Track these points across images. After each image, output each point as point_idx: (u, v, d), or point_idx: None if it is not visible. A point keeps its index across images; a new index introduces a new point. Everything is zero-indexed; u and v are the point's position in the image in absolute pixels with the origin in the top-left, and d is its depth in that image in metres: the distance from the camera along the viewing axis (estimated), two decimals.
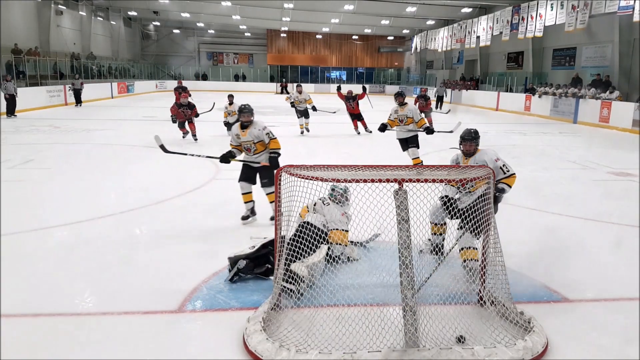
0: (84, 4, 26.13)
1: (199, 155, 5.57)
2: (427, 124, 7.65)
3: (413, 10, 25.55)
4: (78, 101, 19.40)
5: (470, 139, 3.90)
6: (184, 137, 10.72)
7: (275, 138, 4.87)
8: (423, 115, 11.34)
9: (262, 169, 4.88)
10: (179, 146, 9.19)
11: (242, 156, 5.02)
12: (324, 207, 4.02)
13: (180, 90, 12.54)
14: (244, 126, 4.87)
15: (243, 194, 4.98)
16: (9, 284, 3.43)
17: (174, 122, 10.39)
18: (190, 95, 11.52)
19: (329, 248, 3.72)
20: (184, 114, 10.47)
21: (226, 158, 4.97)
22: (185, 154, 5.63)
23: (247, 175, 4.95)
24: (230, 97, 11.45)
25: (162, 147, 5.37)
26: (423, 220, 3.14)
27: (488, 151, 3.92)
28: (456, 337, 2.71)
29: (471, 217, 3.10)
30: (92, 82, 22.12)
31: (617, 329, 2.99)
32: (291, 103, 12.13)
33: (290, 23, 31.88)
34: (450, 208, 3.83)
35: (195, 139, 10.52)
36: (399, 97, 7.52)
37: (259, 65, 37.98)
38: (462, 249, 3.66)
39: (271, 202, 4.87)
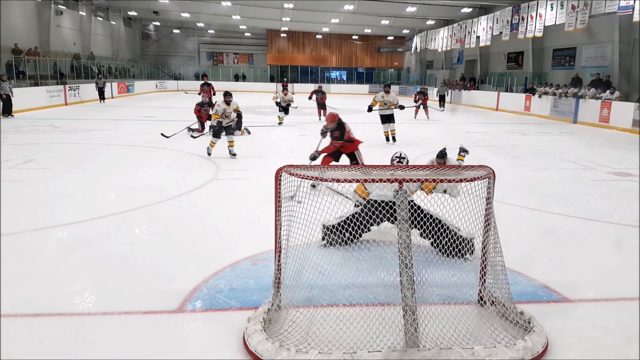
0: (84, 4, 26.12)
1: None
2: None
3: (413, 10, 25.54)
4: (102, 98, 22.04)
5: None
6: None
7: None
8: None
9: None
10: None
11: None
12: None
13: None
14: None
15: None
16: (9, 284, 3.43)
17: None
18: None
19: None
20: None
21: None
22: None
23: None
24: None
25: None
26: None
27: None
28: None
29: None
30: (92, 82, 22.14)
31: (617, 329, 2.99)
32: (369, 107, 10.83)
33: (290, 23, 31.88)
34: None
35: None
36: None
37: (259, 65, 37.98)
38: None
39: None
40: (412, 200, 4.00)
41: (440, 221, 3.75)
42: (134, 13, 31.85)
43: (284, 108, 14.05)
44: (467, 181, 2.98)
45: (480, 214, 3.03)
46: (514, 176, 7.46)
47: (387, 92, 10.51)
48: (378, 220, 4.03)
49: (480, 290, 3.15)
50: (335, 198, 5.25)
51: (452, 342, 2.67)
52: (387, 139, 10.72)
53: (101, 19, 28.99)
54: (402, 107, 10.70)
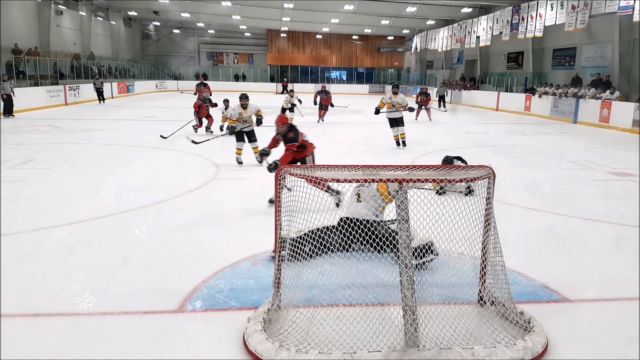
0: (84, 4, 26.12)
1: None
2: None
3: (413, 10, 25.54)
4: (101, 99, 21.81)
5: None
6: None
7: None
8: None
9: None
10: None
11: None
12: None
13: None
14: None
15: None
16: (9, 284, 3.43)
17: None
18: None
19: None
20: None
21: None
22: None
23: None
24: (226, 101, 10.26)
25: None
26: (423, 220, 3.14)
27: None
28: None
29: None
30: (92, 82, 22.14)
31: (617, 329, 2.99)
32: (376, 109, 9.96)
33: (290, 23, 31.87)
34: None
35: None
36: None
37: (259, 65, 37.97)
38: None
39: None
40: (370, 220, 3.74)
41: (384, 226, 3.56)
42: (134, 13, 31.86)
43: (290, 108, 14.10)
44: (467, 181, 2.99)
45: (480, 214, 3.03)
46: (514, 176, 7.46)
47: (396, 94, 9.78)
48: (346, 242, 3.80)
49: (480, 290, 3.15)
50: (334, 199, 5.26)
51: (452, 342, 2.67)
52: (398, 144, 10.02)
53: (101, 19, 28.99)
54: (411, 109, 10.16)
